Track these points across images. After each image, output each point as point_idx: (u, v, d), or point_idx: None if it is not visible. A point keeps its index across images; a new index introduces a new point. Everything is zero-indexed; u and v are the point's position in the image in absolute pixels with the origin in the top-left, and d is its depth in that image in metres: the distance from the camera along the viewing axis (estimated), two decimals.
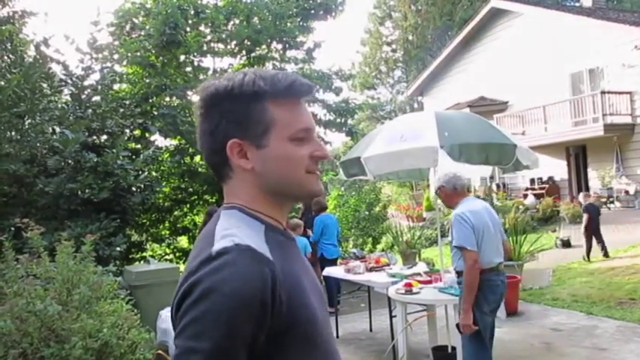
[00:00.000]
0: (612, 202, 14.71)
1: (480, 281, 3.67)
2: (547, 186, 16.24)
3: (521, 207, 14.49)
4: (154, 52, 9.26)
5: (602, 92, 14.45)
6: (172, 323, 0.98)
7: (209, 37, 10.07)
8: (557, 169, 16.46)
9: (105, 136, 7.70)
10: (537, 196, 15.57)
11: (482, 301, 3.70)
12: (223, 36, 9.95)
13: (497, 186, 17.48)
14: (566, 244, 11.61)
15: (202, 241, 1.02)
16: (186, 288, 0.92)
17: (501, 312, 5.14)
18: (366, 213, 12.33)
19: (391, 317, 5.57)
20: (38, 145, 6.57)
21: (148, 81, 9.34)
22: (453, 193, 3.99)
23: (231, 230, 0.99)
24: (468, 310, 3.67)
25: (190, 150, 9.70)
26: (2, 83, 6.02)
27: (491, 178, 16.76)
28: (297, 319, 0.96)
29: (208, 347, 0.87)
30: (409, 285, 4.93)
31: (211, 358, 0.87)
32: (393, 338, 5.40)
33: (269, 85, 1.04)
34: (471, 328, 3.67)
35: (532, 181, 16.81)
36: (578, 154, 16.55)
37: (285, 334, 0.94)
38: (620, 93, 14.54)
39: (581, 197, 11.32)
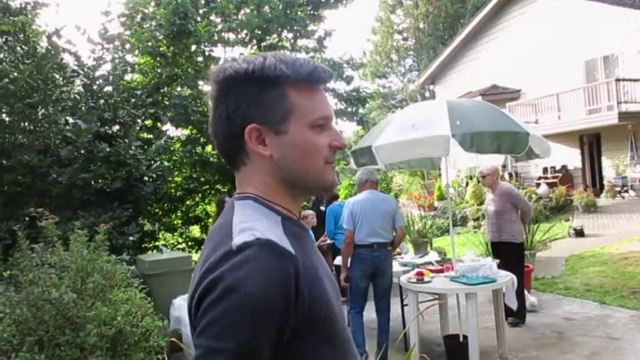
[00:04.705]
0: (626, 191, 14.56)
1: (355, 253, 4.87)
2: (560, 175, 16.10)
3: (534, 196, 14.40)
4: (164, 42, 9.25)
5: (617, 80, 14.26)
6: (190, 321, 0.95)
7: (220, 27, 10.03)
8: (570, 157, 16.31)
9: (117, 126, 7.72)
10: (550, 185, 15.45)
11: (355, 268, 4.90)
12: (234, 25, 9.90)
13: (510, 175, 17.37)
14: (580, 233, 11.52)
15: (218, 234, 0.98)
16: (207, 285, 0.89)
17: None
18: None
19: (402, 306, 5.60)
20: (51, 135, 6.61)
21: (159, 71, 9.36)
22: (360, 185, 5.15)
23: (250, 223, 0.95)
24: (342, 270, 5.00)
25: (202, 140, 9.72)
26: (15, 74, 6.06)
27: (504, 167, 16.65)
28: (317, 313, 0.93)
29: (232, 347, 0.84)
30: (421, 274, 4.94)
31: (235, 358, 0.84)
32: (404, 327, 5.41)
33: (291, 70, 1.00)
34: (343, 284, 4.89)
35: (545, 169, 16.68)
36: (592, 143, 16.38)
37: (306, 328, 0.92)
38: (635, 80, 14.34)
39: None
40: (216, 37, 9.90)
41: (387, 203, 5.03)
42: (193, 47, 9.62)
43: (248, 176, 1.05)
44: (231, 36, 10.39)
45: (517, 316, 5.86)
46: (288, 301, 0.88)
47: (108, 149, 6.73)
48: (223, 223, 1.00)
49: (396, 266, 5.82)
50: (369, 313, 5.28)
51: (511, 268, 5.79)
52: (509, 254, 5.86)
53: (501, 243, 5.92)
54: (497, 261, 5.25)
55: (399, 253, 6.60)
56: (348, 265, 4.99)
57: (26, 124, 6.48)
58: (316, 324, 0.94)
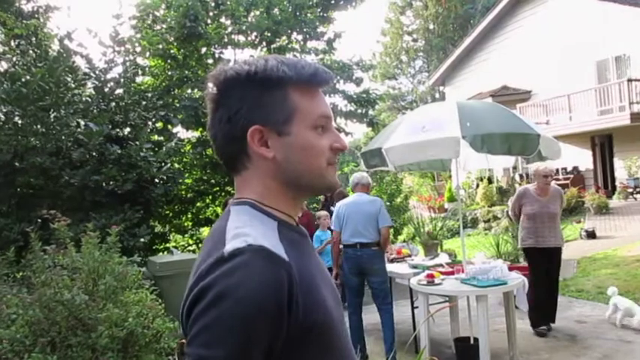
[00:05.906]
0: (639, 192, 14.42)
1: (344, 252, 5.22)
2: (572, 176, 15.98)
3: None
4: (175, 44, 9.30)
5: (629, 80, 14.14)
6: (183, 329, 0.93)
7: (230, 29, 10.07)
8: (582, 159, 16.18)
9: (128, 129, 7.76)
10: (562, 187, 15.30)
11: (344, 266, 5.24)
12: (244, 27, 9.94)
13: (521, 176, 17.26)
14: (591, 235, 11.43)
15: (212, 240, 0.96)
16: (197, 292, 0.87)
17: (523, 304, 5.10)
18: (388, 204, 12.30)
19: (413, 308, 5.58)
20: (63, 137, 6.66)
21: (169, 73, 9.40)
22: (352, 188, 5.43)
23: (244, 229, 0.93)
24: (333, 268, 5.45)
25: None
26: (28, 77, 6.13)
27: (514, 168, 16.54)
28: (314, 322, 0.91)
29: (222, 355, 0.82)
30: (431, 276, 4.92)
31: None
32: (414, 329, 5.40)
33: (293, 72, 1.00)
34: (336, 282, 5.04)
35: (556, 171, 16.55)
36: (603, 144, 16.25)
37: (302, 337, 0.90)
38: None
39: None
40: (226, 40, 9.94)
41: (371, 205, 5.18)
42: (203, 49, 9.67)
43: (248, 180, 1.04)
44: (241, 38, 10.43)
45: (547, 321, 5.75)
46: (281, 308, 0.86)
47: (119, 151, 6.77)
48: (217, 229, 0.99)
49: (406, 268, 5.82)
50: (375, 314, 5.28)
51: (556, 273, 5.73)
52: (556, 259, 5.73)
53: (555, 249, 5.65)
54: (508, 263, 5.21)
55: (409, 255, 6.59)
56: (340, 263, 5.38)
57: (38, 126, 6.53)
58: (313, 332, 0.91)
